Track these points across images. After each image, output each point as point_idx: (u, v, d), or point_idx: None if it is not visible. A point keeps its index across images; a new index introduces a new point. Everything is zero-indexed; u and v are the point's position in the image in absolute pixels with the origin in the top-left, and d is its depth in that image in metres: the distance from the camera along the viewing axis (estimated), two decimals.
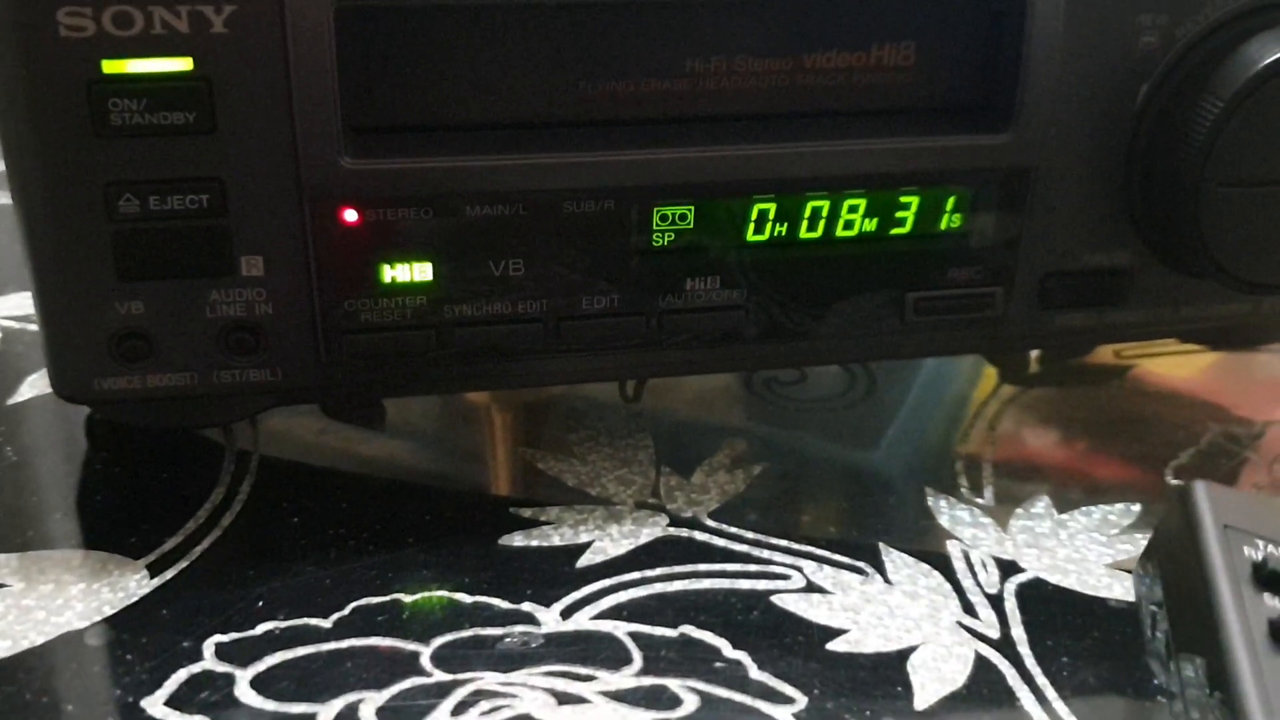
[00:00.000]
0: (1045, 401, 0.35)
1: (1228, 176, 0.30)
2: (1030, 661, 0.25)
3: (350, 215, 0.28)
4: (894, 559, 0.28)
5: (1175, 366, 0.38)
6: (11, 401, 0.33)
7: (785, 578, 0.27)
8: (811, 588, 0.27)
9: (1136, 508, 0.31)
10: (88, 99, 0.26)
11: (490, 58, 0.29)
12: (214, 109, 0.26)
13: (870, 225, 0.31)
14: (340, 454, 0.32)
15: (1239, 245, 0.31)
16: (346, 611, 0.26)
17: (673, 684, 0.24)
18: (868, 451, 0.33)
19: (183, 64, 0.26)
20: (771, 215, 0.31)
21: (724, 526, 0.29)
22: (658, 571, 0.27)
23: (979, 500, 0.31)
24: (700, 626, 0.26)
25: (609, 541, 0.28)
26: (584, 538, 0.28)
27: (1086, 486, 0.31)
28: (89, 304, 0.28)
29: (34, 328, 0.36)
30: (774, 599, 0.27)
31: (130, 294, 0.28)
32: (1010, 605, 0.27)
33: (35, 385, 0.33)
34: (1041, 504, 0.31)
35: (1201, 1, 0.30)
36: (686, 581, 0.27)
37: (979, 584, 0.28)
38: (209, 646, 0.25)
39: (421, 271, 0.29)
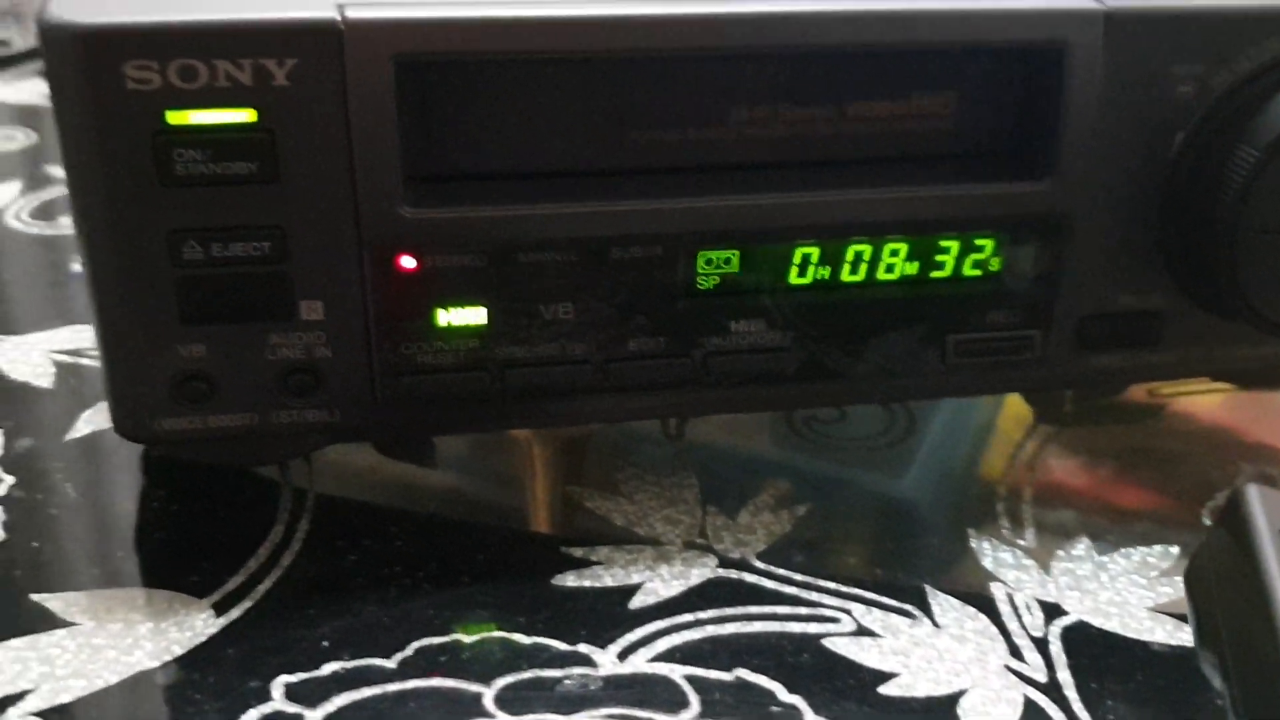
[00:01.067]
0: (1081, 440, 0.36)
1: (1263, 224, 0.31)
2: (1078, 705, 0.26)
3: (408, 262, 0.29)
4: (940, 602, 0.29)
5: (1208, 405, 0.38)
6: (70, 438, 0.33)
7: (835, 620, 0.28)
8: (861, 631, 0.28)
9: (1175, 550, 0.31)
10: (153, 149, 0.27)
11: (543, 107, 0.29)
12: (276, 159, 0.27)
13: (911, 268, 0.32)
14: (392, 490, 0.33)
15: (1273, 289, 0.32)
16: (409, 652, 0.26)
17: None
18: (909, 491, 0.34)
19: (246, 115, 0.27)
20: (814, 259, 0.31)
21: (773, 568, 0.30)
22: (710, 614, 0.28)
23: (1020, 542, 0.31)
24: (754, 670, 0.26)
25: (660, 582, 0.29)
26: (635, 578, 0.29)
27: (1125, 528, 0.32)
28: (152, 347, 0.28)
29: (86, 362, 0.37)
30: (825, 642, 0.27)
31: (192, 337, 0.29)
32: (1055, 649, 0.27)
33: (91, 421, 0.34)
34: (1082, 546, 0.31)
35: (1236, 51, 0.31)
36: (739, 624, 0.28)
37: (1024, 627, 0.28)
38: (278, 687, 0.25)
39: (475, 315, 0.30)
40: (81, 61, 0.26)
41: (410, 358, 0.30)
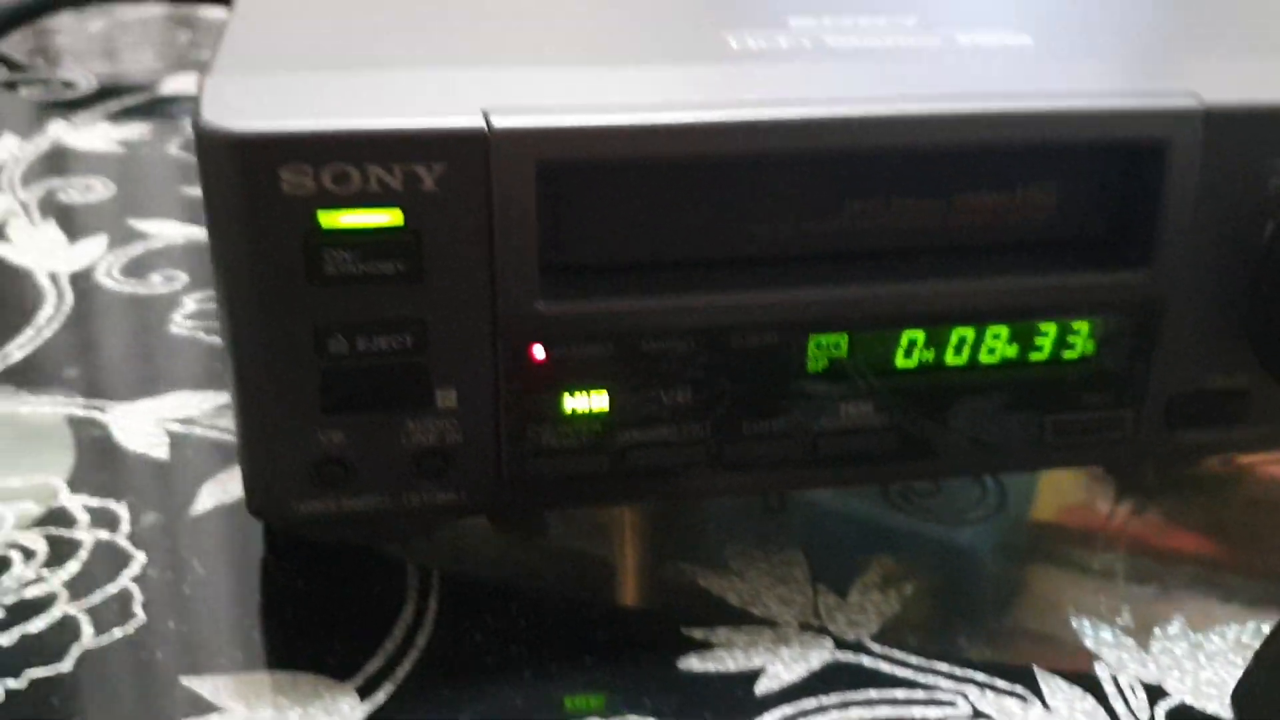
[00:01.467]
0: (1167, 513, 0.37)
1: None
2: None
3: (539, 352, 0.30)
4: (1049, 684, 0.30)
5: None
6: (193, 512, 0.34)
7: (952, 704, 0.29)
8: (978, 715, 0.29)
9: (1265, 628, 0.32)
10: (304, 250, 0.28)
11: (668, 202, 0.30)
12: (421, 258, 0.28)
13: (1011, 351, 0.33)
14: (505, 563, 0.34)
15: None
16: None
17: None
18: (1007, 567, 0.35)
19: (394, 218, 0.28)
20: (920, 343, 0.32)
21: (888, 650, 0.31)
22: (834, 698, 0.29)
23: (1119, 620, 0.32)
24: None
25: (781, 666, 0.30)
26: (756, 662, 0.30)
27: (1216, 604, 0.33)
28: (293, 434, 0.30)
29: (199, 432, 0.38)
30: None
31: (332, 425, 0.30)
32: None
33: (213, 494, 0.35)
34: (1177, 624, 0.32)
35: None
36: (862, 709, 0.29)
37: (1131, 710, 0.29)
38: None
39: (598, 400, 0.31)
40: (238, 166, 0.27)
41: (536, 441, 0.31)
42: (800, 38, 0.34)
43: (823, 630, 0.31)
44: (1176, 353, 0.34)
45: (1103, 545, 0.36)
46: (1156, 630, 0.32)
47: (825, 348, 0.32)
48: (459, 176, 0.28)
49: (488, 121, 0.27)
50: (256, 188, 0.27)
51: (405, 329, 0.29)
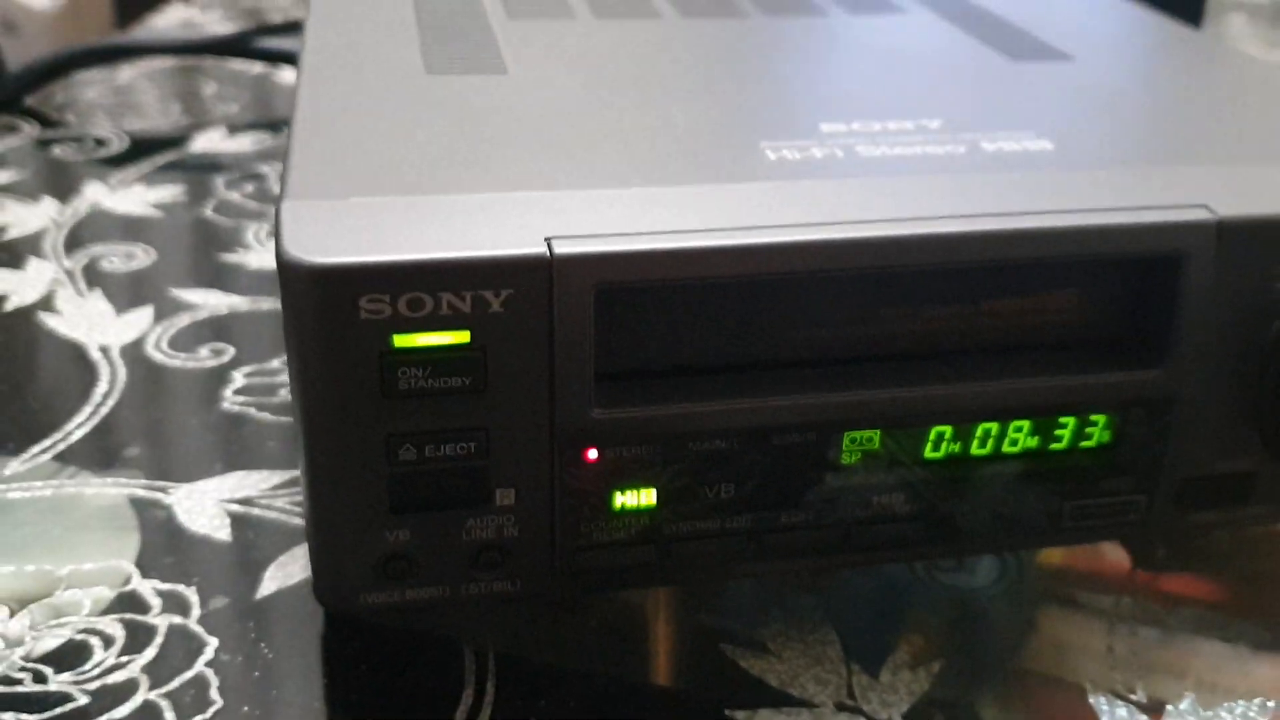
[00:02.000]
0: (1176, 587, 0.39)
1: None
2: None
3: (593, 454, 0.32)
4: None
5: None
6: (259, 597, 0.36)
7: None
8: None
9: (1271, 704, 0.34)
10: (379, 368, 0.30)
11: (715, 313, 0.32)
12: (486, 373, 0.30)
13: (1033, 442, 0.35)
14: (548, 644, 0.35)
15: None
16: None
17: None
18: (1026, 645, 0.37)
19: (462, 337, 0.30)
20: (947, 437, 0.34)
21: None
22: None
23: (1133, 697, 0.34)
24: None
25: None
26: None
27: (1225, 680, 0.35)
28: (362, 532, 0.32)
29: (257, 512, 0.40)
30: None
31: (399, 524, 0.32)
32: None
33: (275, 577, 0.37)
34: (1188, 701, 0.34)
35: None
36: None
37: None
38: None
39: (647, 497, 0.33)
40: (320, 296, 0.29)
41: (588, 535, 0.33)
42: (834, 147, 0.36)
43: (858, 711, 0.33)
44: (1188, 441, 0.36)
45: (1117, 621, 0.38)
46: (1169, 708, 0.34)
47: (859, 443, 0.34)
48: (524, 299, 0.30)
49: (550, 249, 0.29)
50: (337, 315, 0.29)
51: (470, 437, 0.31)
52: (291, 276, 0.29)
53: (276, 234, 0.30)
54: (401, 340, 0.30)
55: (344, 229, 0.30)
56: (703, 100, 0.40)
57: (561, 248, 0.30)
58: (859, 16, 0.51)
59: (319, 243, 0.29)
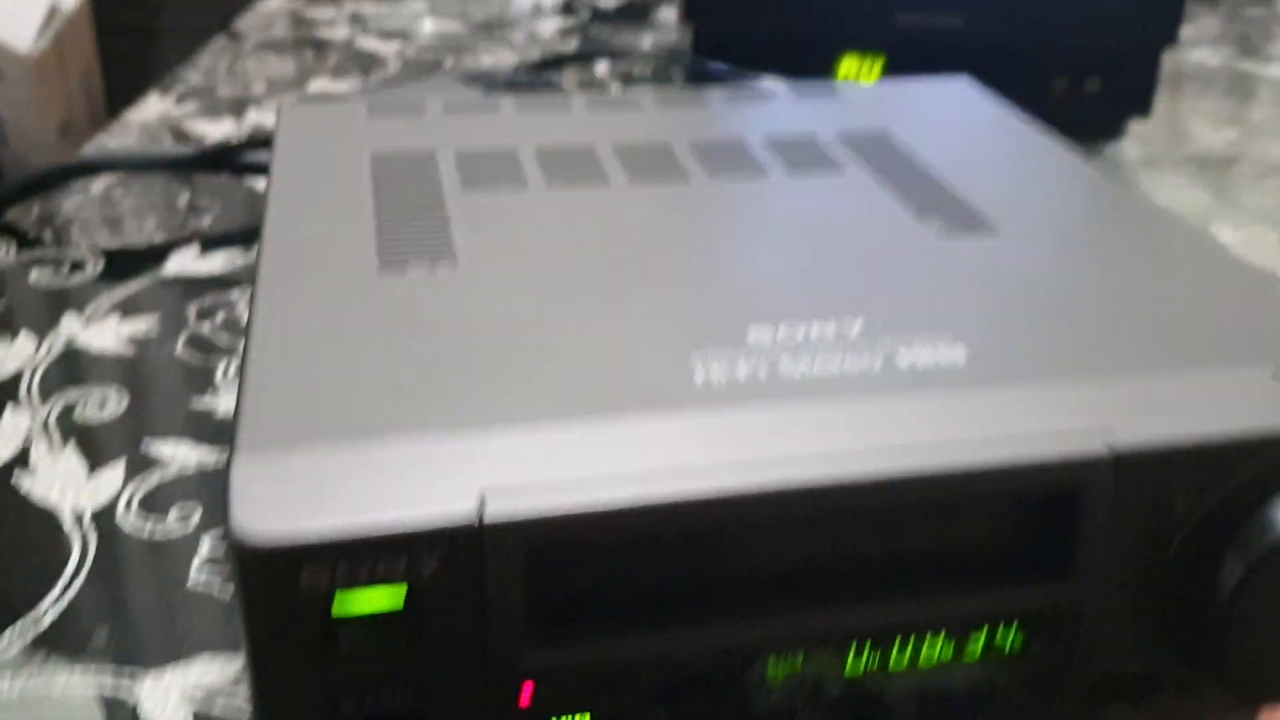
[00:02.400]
0: None
1: (1247, 618, 0.36)
2: None
3: (526, 690, 0.34)
4: None
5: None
6: None
7: None
8: None
9: None
10: (321, 632, 0.32)
11: (642, 557, 0.35)
12: (423, 630, 0.32)
13: (947, 653, 0.37)
14: None
15: (1257, 672, 0.37)
16: None
17: None
18: None
19: (398, 598, 0.32)
20: (866, 652, 0.36)
21: None
22: None
23: None
24: None
25: None
26: None
27: None
28: None
29: (222, 702, 0.42)
30: None
31: None
32: None
33: None
34: None
35: (1228, 470, 0.36)
36: None
37: None
38: None
39: None
40: (264, 569, 0.31)
41: None
42: (758, 363, 0.38)
43: None
44: (1096, 646, 0.38)
45: None
46: None
47: (783, 664, 0.36)
48: (457, 564, 0.32)
49: (480, 516, 0.32)
50: (278, 583, 0.31)
51: (406, 685, 0.33)
52: (239, 550, 0.31)
53: (226, 500, 0.32)
54: (340, 606, 0.32)
55: (288, 495, 0.32)
56: (640, 299, 0.42)
57: (492, 512, 0.32)
58: (796, 179, 0.53)
59: (264, 511, 0.31)
